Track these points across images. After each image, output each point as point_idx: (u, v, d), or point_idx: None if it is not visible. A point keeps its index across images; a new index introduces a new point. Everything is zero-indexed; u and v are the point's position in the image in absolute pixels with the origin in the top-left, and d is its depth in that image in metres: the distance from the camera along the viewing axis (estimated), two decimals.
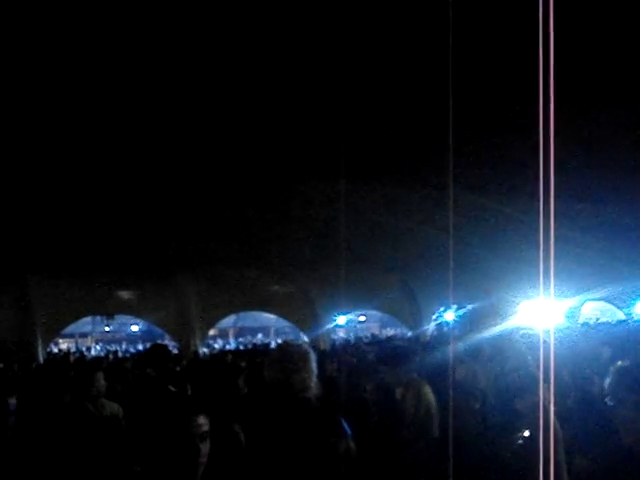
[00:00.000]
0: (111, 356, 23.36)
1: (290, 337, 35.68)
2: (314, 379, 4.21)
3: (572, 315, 25.53)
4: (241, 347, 30.12)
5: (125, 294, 26.96)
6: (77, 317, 27.07)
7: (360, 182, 13.15)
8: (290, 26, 7.28)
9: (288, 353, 4.27)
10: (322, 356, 15.19)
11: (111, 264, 20.90)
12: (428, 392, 6.00)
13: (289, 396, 4.07)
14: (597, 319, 25.54)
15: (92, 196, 13.57)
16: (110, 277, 23.55)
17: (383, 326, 42.69)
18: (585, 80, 8.11)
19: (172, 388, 6.38)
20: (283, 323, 34.37)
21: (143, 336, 42.32)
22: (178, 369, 9.96)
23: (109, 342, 42.05)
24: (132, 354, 24.57)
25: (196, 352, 22.95)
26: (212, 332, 34.13)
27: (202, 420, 2.98)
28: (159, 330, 30.09)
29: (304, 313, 27.75)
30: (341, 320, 28.06)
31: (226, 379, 5.89)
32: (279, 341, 33.62)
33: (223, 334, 44.22)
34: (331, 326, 28.01)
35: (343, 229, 13.70)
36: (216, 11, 6.92)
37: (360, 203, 14.77)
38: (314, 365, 4.26)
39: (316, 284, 25.83)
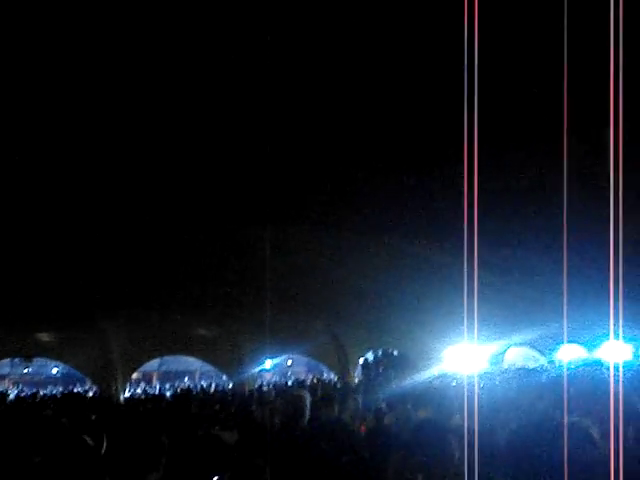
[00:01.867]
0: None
1: (214, 381, 35.19)
2: (307, 414, 6.33)
3: (496, 361, 25.83)
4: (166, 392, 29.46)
5: (44, 336, 26.07)
6: None
7: (287, 226, 13.12)
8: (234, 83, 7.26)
9: (289, 396, 6.87)
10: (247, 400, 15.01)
11: (30, 306, 20.22)
12: None
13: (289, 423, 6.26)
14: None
15: (10, 234, 13.17)
16: (28, 319, 22.75)
17: (309, 371, 42.54)
18: (508, 130, 8.30)
19: (88, 439, 6.02)
20: (208, 367, 33.85)
21: (63, 379, 41.26)
22: (94, 417, 9.61)
23: (28, 384, 40.82)
24: (50, 398, 23.68)
25: (117, 398, 22.33)
26: (135, 376, 33.34)
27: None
28: (79, 373, 29.19)
29: (229, 357, 27.33)
30: (267, 364, 27.76)
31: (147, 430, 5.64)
32: (203, 384, 32.99)
33: (147, 378, 43.32)
34: (257, 370, 27.71)
35: (269, 273, 13.60)
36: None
37: (287, 248, 14.73)
38: (308, 403, 6.41)
39: (242, 328, 25.50)
